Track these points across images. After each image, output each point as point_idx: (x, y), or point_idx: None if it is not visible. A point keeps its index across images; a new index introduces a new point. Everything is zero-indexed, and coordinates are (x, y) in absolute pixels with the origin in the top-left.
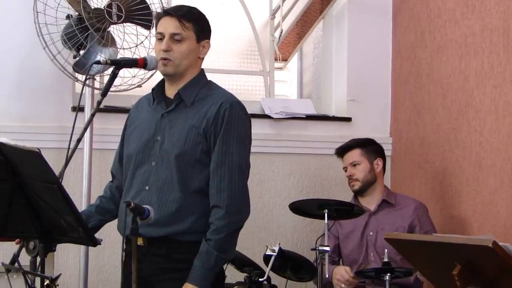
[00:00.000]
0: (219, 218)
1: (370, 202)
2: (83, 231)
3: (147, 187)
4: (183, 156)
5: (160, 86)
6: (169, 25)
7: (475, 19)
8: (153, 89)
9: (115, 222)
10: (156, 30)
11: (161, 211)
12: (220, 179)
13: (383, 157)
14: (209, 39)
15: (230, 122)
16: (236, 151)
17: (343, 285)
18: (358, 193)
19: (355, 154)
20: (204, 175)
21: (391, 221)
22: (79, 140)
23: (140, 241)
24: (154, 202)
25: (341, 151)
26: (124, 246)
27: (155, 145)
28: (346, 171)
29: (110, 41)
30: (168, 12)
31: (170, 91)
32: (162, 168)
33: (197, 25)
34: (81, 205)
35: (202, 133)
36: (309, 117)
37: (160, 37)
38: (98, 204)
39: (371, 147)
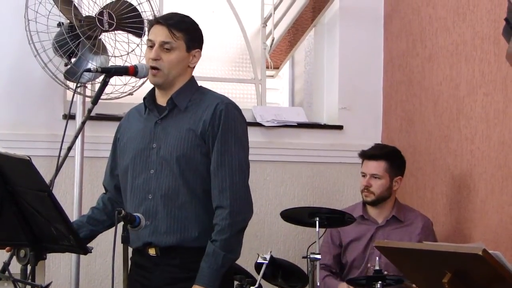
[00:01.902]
0: (223, 218)
1: (379, 214)
2: (74, 239)
3: (150, 196)
4: (184, 159)
5: (151, 94)
6: (159, 34)
7: (466, 27)
8: (144, 98)
9: (106, 231)
10: (147, 37)
11: (170, 218)
12: (221, 179)
13: (403, 174)
14: (201, 49)
15: (227, 122)
16: (235, 151)
17: None
18: (369, 204)
19: (380, 167)
20: (207, 177)
21: (398, 238)
22: (70, 148)
23: (152, 251)
24: (160, 211)
25: (367, 157)
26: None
27: (151, 153)
28: (364, 176)
29: (101, 49)
30: (159, 20)
31: (162, 99)
32: (162, 175)
33: (188, 34)
34: (72, 213)
35: (199, 135)
36: (301, 125)
37: (151, 45)
38: (90, 214)
39: (396, 162)
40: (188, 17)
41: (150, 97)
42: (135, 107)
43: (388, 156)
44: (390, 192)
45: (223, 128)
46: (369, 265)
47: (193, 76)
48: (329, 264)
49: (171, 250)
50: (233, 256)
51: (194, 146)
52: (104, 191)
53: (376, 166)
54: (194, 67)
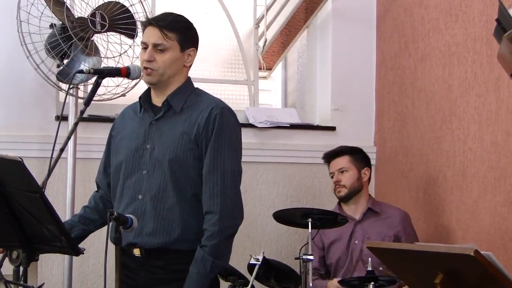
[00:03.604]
0: (213, 224)
1: (355, 210)
2: (66, 240)
3: (140, 196)
4: (176, 162)
5: (147, 94)
6: (151, 35)
7: (458, 28)
8: (140, 97)
9: (99, 232)
10: (141, 39)
11: (157, 220)
12: (213, 184)
13: (370, 166)
14: (196, 48)
15: (221, 127)
16: (228, 157)
17: None
18: (343, 200)
19: (344, 161)
20: (198, 182)
21: (377, 230)
22: (62, 150)
23: (137, 252)
24: (149, 211)
25: (330, 157)
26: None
27: (145, 153)
28: (332, 177)
29: (93, 50)
30: (151, 22)
31: (157, 99)
32: (154, 176)
33: (181, 34)
34: (65, 215)
35: (193, 139)
36: (294, 126)
37: (144, 47)
38: (82, 214)
39: (359, 155)
40: (181, 16)
41: (145, 97)
42: (130, 105)
43: (349, 151)
44: (360, 184)
45: (216, 133)
46: (355, 261)
47: (189, 77)
48: (316, 267)
49: (156, 251)
50: (222, 262)
51: (187, 150)
52: (96, 189)
53: (339, 161)
54: (190, 66)
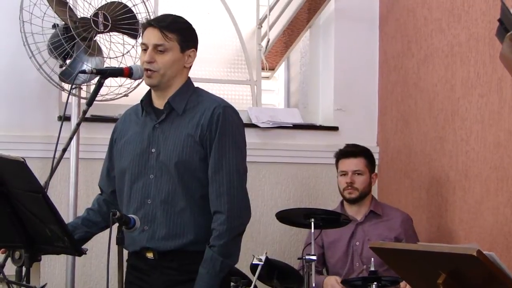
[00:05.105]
0: (221, 223)
1: (358, 212)
2: (68, 240)
3: (149, 201)
4: (183, 165)
5: (148, 96)
6: (152, 36)
7: (461, 28)
8: (141, 100)
9: (102, 232)
10: (141, 40)
11: (169, 224)
12: (219, 184)
13: (375, 171)
14: (196, 48)
15: (224, 127)
16: (233, 156)
17: None
18: (351, 202)
19: (361, 163)
20: (205, 183)
21: (378, 232)
22: (65, 150)
23: (150, 255)
24: (159, 216)
25: (347, 155)
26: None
27: (151, 157)
28: (344, 175)
29: (96, 50)
30: (151, 23)
31: (158, 101)
32: (162, 180)
33: (181, 35)
34: (68, 215)
35: (198, 141)
36: (296, 126)
37: (145, 48)
38: (85, 216)
39: (372, 159)
40: (181, 17)
41: (147, 100)
42: (131, 108)
43: (365, 152)
44: (370, 189)
45: (220, 133)
46: (356, 263)
47: (189, 78)
48: (315, 264)
49: (169, 253)
50: (231, 261)
51: (193, 152)
52: (100, 192)
53: (357, 163)
54: (190, 67)
